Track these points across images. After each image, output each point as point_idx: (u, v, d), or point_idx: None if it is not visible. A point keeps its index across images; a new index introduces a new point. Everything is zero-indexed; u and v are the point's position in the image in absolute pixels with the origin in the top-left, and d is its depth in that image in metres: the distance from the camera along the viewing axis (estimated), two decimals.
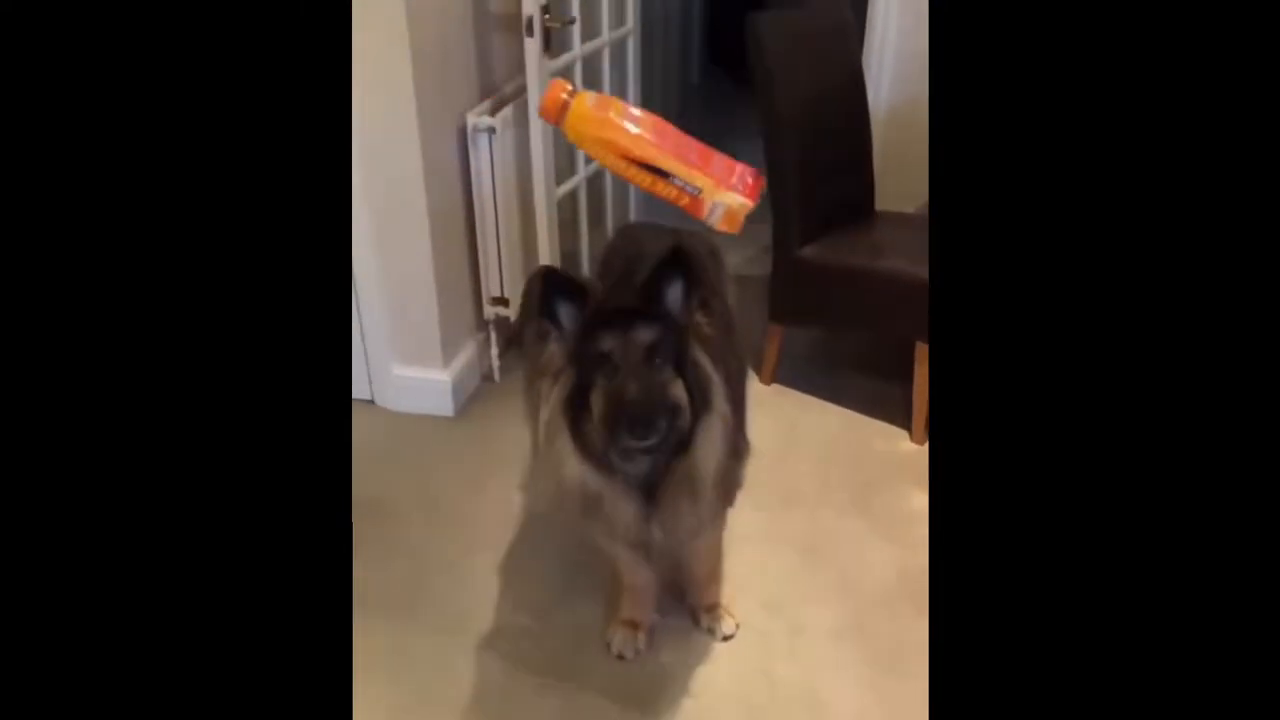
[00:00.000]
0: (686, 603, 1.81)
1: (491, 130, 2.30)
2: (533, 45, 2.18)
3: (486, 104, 2.38)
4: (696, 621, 1.79)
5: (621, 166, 1.00)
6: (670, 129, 1.00)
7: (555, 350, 1.30)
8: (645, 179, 1.01)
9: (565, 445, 1.32)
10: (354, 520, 2.02)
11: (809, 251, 2.39)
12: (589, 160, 2.66)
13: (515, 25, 2.26)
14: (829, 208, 2.46)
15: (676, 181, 1.01)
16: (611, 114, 0.96)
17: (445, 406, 2.45)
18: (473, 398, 2.54)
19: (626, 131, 0.97)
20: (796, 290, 2.45)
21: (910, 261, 2.20)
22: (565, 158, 2.59)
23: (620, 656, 1.73)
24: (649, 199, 3.54)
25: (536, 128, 2.27)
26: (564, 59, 2.39)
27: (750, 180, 1.05)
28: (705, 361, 1.32)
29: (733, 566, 1.86)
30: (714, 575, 1.78)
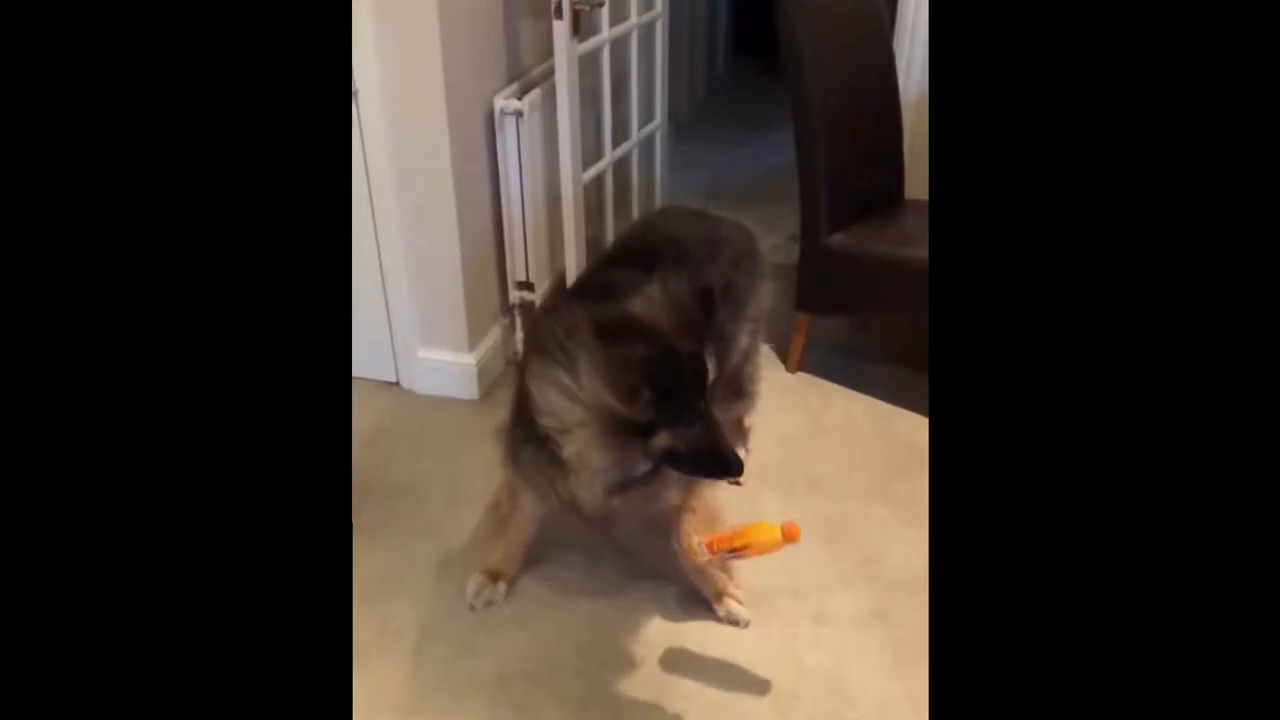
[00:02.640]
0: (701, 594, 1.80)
1: (519, 114, 2.29)
2: (561, 28, 2.17)
3: (514, 87, 2.38)
4: (714, 611, 1.79)
5: (763, 543, 1.55)
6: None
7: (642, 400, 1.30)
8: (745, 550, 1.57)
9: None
10: (378, 500, 2.05)
11: (837, 240, 2.37)
12: (616, 144, 2.66)
13: (543, 8, 2.26)
14: (858, 195, 2.44)
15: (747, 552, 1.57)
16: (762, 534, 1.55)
17: (470, 390, 2.46)
18: (497, 381, 2.54)
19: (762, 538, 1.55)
20: (824, 279, 2.44)
21: None
22: (592, 142, 2.58)
23: (471, 608, 1.78)
24: (675, 185, 3.49)
25: (564, 111, 2.26)
26: (593, 42, 2.39)
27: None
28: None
29: None
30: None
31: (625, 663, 1.69)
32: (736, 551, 1.57)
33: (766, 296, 1.94)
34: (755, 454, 2.24)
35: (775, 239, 3.20)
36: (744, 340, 1.86)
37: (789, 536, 1.54)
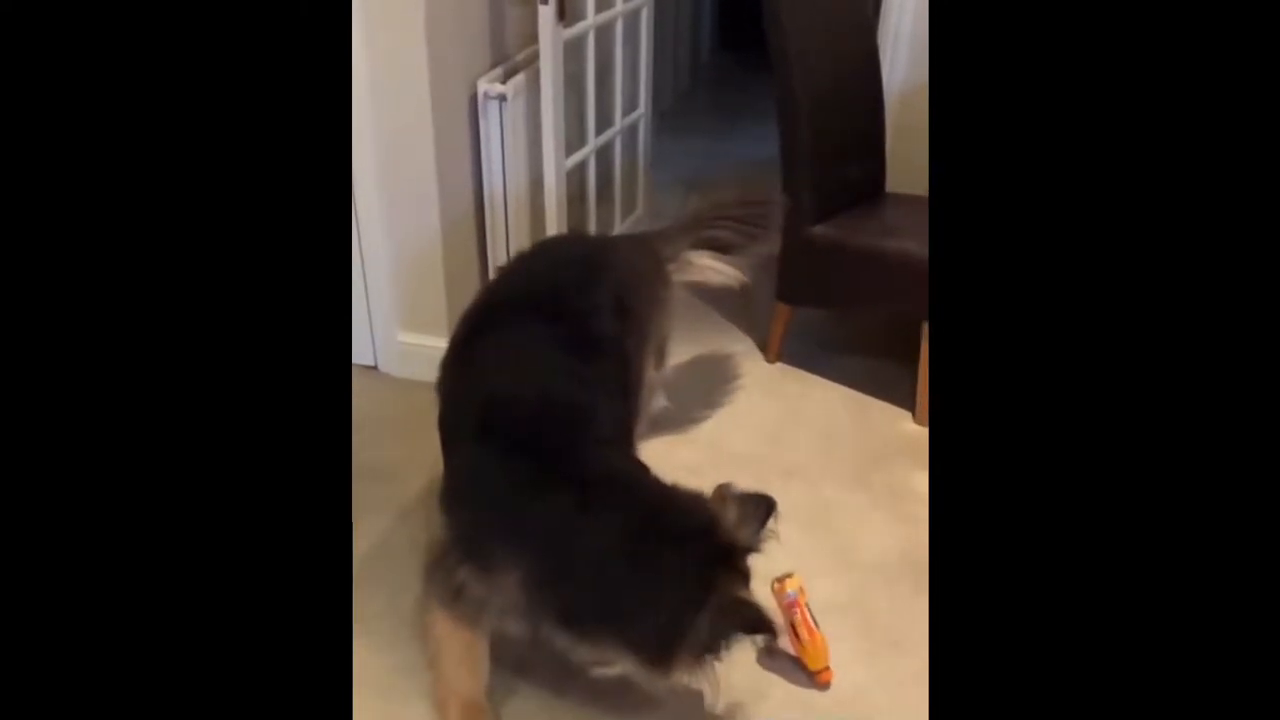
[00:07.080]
0: None
1: (502, 98, 2.28)
2: (547, 13, 2.17)
3: (498, 71, 2.37)
4: None
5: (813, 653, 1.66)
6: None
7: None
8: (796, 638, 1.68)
9: None
10: (357, 483, 2.03)
11: (819, 231, 2.38)
12: (599, 131, 2.66)
13: None
14: (841, 187, 2.45)
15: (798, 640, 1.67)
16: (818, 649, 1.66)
17: None
18: None
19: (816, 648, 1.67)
20: (805, 269, 2.45)
21: (920, 243, 2.19)
22: (575, 129, 2.58)
23: None
24: (657, 174, 3.47)
25: (548, 97, 2.26)
26: (578, 28, 2.38)
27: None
28: None
29: None
30: None
31: None
32: (798, 615, 1.66)
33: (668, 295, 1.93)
34: (734, 443, 2.26)
35: None
36: (650, 373, 1.83)
37: (822, 681, 1.64)
